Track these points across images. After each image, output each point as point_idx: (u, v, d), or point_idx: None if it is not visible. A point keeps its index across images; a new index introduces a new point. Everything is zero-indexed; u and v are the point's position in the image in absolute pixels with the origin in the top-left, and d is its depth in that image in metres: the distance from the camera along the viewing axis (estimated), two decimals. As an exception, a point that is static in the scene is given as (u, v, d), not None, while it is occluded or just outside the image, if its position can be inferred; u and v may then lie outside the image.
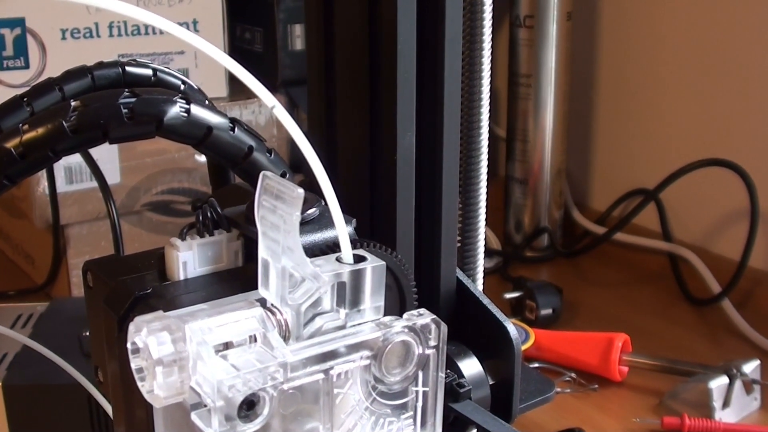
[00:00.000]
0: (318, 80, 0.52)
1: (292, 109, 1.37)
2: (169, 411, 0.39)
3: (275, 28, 1.36)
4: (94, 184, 1.11)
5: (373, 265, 0.39)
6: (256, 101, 1.33)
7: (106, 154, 1.20)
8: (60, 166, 1.18)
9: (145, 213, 1.27)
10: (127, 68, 0.50)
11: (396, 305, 0.45)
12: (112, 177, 1.21)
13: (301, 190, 0.35)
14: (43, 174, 1.18)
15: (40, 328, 0.88)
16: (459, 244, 0.58)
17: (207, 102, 0.47)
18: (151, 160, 1.25)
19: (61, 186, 1.19)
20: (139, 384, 0.36)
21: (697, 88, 1.31)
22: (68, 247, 1.23)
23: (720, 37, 1.27)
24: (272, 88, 1.37)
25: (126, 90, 0.40)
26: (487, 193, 0.61)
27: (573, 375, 1.06)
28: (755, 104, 1.23)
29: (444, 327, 0.40)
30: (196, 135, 0.41)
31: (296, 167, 0.46)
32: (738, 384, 0.98)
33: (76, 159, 1.16)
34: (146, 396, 0.36)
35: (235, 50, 1.34)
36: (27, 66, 1.20)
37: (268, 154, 0.44)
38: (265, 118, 1.34)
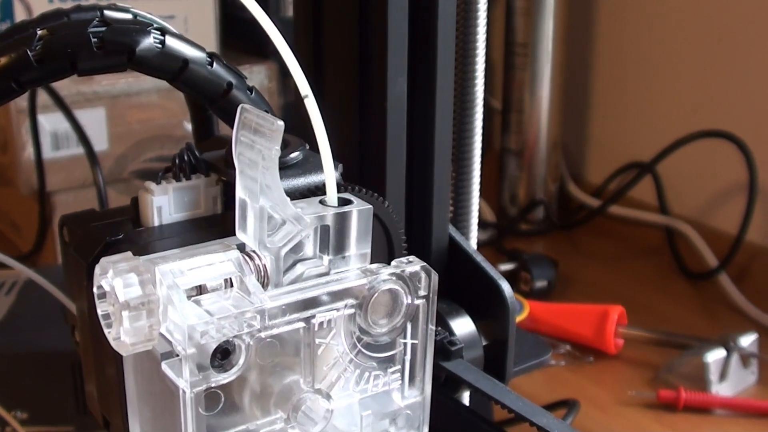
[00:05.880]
0: (305, 19, 0.49)
1: (283, 77, 1.35)
2: (140, 361, 0.36)
3: (268, -7, 1.33)
4: (82, 150, 1.09)
5: (359, 209, 0.37)
6: (247, 68, 1.30)
7: (94, 121, 1.18)
8: (46, 132, 1.16)
9: (133, 181, 1.25)
10: (106, 12, 0.48)
11: (384, 255, 0.42)
12: (100, 144, 1.18)
13: (280, 122, 0.33)
14: (29, 140, 1.15)
15: (24, 296, 0.87)
16: (452, 210, 0.56)
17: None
18: (140, 127, 1.22)
19: (48, 152, 1.17)
20: (106, 331, 0.34)
21: (695, 59, 1.29)
22: (54, 215, 1.21)
23: (718, 7, 1.24)
24: (264, 56, 1.35)
25: (96, 19, 0.37)
26: (481, 164, 0.59)
27: (568, 347, 1.04)
28: (754, 75, 1.21)
29: (435, 276, 0.37)
30: (171, 68, 0.38)
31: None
32: (735, 357, 0.96)
33: (63, 125, 1.13)
34: (113, 343, 0.33)
35: (226, 16, 1.32)
36: (12, 28, 1.18)
37: (248, 92, 0.41)
38: (257, 85, 1.31)
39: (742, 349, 0.97)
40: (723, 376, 0.95)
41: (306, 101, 0.36)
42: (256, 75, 1.31)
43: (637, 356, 1.03)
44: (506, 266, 1.20)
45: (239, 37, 1.33)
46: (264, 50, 1.33)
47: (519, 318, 1.04)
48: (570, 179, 1.49)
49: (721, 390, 0.95)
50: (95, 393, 0.44)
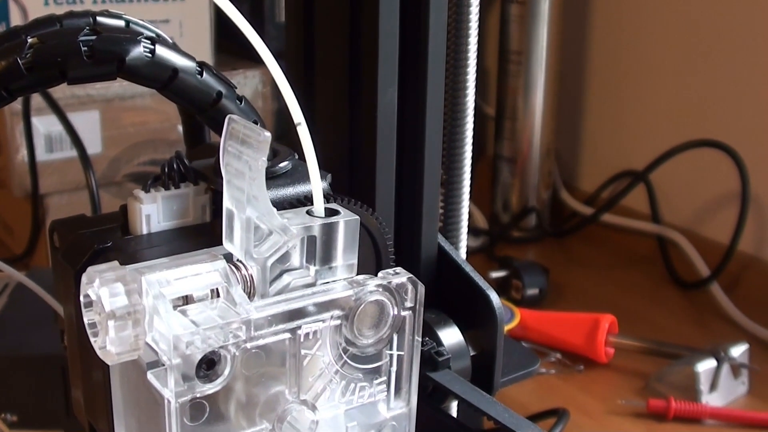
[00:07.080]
0: (296, 29, 0.49)
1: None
2: (126, 371, 0.36)
3: (262, 0, 1.33)
4: (75, 153, 1.09)
5: (346, 219, 0.37)
6: (241, 72, 1.30)
7: (88, 124, 1.18)
8: (40, 134, 1.16)
9: (126, 184, 1.25)
10: (99, 18, 0.48)
11: (372, 266, 0.42)
12: (94, 147, 1.18)
13: (267, 134, 0.33)
14: (22, 142, 1.15)
15: (15, 299, 0.86)
16: (442, 218, 0.56)
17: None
18: (134, 130, 1.22)
19: (41, 155, 1.17)
20: (92, 340, 0.34)
21: (688, 68, 1.29)
22: (47, 217, 1.20)
23: (711, 17, 1.25)
24: (258, 60, 1.35)
25: (87, 27, 0.37)
26: (474, 171, 0.59)
27: (558, 355, 1.04)
28: (746, 85, 1.21)
29: (421, 287, 0.37)
30: (161, 77, 0.38)
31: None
32: (725, 367, 0.96)
33: (56, 127, 1.13)
34: (99, 352, 0.33)
35: (221, 21, 1.32)
36: (7, 31, 1.17)
37: (238, 102, 0.41)
38: (251, 90, 1.31)
39: (733, 359, 0.97)
40: (713, 386, 0.95)
41: (298, 128, 0.37)
42: (251, 80, 1.31)
43: (627, 365, 1.03)
44: (498, 273, 1.20)
45: (234, 41, 1.32)
46: (258, 58, 1.33)
47: (510, 326, 1.04)
48: (563, 187, 1.49)
49: (711, 400, 0.95)
50: (81, 399, 0.44)
